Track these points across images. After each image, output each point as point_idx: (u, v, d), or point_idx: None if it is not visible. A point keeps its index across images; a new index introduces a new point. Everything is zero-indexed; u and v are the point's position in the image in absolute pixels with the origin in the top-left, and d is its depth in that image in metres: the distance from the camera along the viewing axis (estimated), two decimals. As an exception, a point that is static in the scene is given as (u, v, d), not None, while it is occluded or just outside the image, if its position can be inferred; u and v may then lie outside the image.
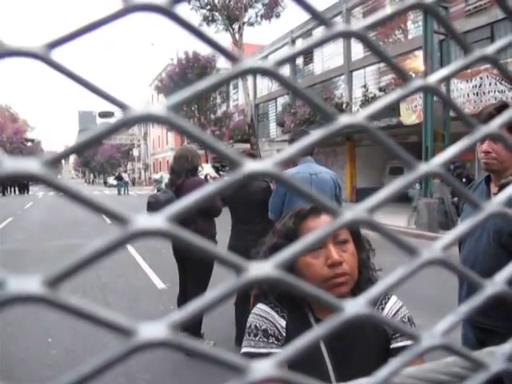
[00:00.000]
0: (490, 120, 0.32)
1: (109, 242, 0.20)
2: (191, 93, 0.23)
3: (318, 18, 0.24)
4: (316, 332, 0.25)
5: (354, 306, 0.26)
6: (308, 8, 0.23)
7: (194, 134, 0.23)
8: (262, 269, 0.22)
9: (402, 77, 0.28)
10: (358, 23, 0.26)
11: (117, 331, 0.20)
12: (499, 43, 0.32)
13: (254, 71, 0.23)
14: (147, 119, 0.22)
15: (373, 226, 0.26)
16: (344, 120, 0.25)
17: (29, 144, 52.11)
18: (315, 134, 0.24)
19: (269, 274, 0.22)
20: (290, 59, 0.24)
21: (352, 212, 0.25)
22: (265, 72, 0.24)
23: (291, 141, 3.52)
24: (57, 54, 0.21)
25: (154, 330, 0.21)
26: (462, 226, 0.32)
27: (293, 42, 22.20)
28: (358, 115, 0.26)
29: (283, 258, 0.23)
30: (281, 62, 0.24)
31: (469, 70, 10.10)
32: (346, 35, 0.25)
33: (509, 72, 0.34)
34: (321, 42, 0.24)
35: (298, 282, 0.23)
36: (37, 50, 0.21)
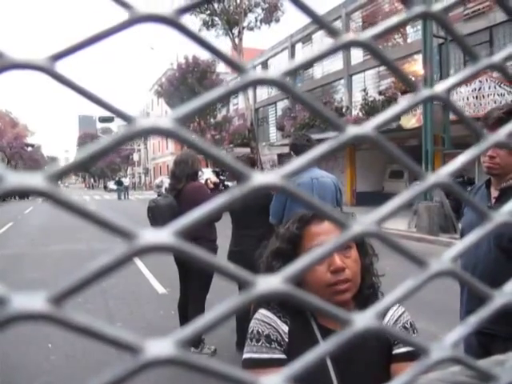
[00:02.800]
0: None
1: (115, 258, 0.20)
2: (198, 104, 0.23)
3: (326, 28, 0.24)
4: (325, 346, 0.24)
5: (364, 319, 0.25)
6: (316, 18, 0.23)
7: (201, 147, 0.22)
8: (270, 283, 0.22)
9: (410, 86, 0.28)
10: (366, 33, 0.26)
11: (124, 348, 0.20)
12: (506, 51, 0.32)
13: (261, 82, 0.23)
14: (153, 132, 0.21)
15: (382, 238, 0.25)
16: (352, 131, 0.25)
17: (29, 149, 52.03)
18: (324, 146, 0.24)
19: (278, 289, 0.22)
20: (297, 69, 0.24)
21: (361, 224, 0.24)
22: (272, 83, 0.23)
23: (292, 145, 3.50)
24: (61, 66, 0.21)
25: (161, 346, 0.20)
26: (470, 237, 0.32)
27: (292, 46, 22.26)
28: (366, 126, 0.26)
29: (292, 272, 0.23)
30: (288, 73, 0.24)
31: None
32: (354, 45, 0.25)
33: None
34: (328, 52, 0.24)
35: (306, 297, 0.23)
36: (41, 62, 0.20)
